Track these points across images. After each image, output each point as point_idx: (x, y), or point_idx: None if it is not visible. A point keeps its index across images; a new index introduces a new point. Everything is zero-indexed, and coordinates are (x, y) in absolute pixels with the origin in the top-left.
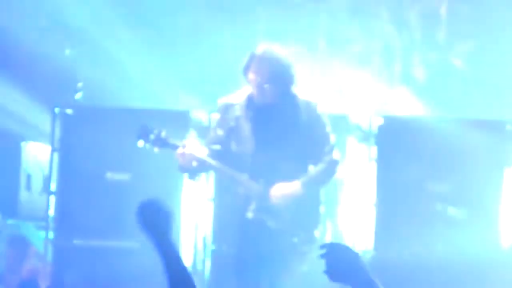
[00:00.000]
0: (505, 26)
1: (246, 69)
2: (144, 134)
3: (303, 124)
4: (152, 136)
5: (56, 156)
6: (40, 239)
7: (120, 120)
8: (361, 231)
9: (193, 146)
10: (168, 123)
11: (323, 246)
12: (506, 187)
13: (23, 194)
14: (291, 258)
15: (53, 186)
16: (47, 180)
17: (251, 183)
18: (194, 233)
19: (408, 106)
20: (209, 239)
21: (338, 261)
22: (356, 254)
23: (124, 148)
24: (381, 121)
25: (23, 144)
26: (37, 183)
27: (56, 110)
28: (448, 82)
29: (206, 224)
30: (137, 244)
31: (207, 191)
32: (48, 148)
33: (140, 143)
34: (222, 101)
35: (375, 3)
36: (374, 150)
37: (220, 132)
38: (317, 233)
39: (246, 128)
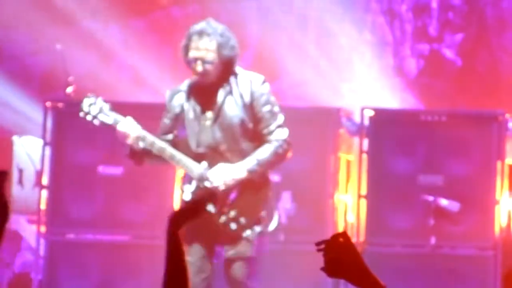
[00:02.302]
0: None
1: (186, 48)
2: (86, 105)
3: (247, 102)
4: (94, 108)
5: (48, 150)
6: (32, 233)
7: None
8: (352, 223)
9: (131, 123)
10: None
11: (320, 242)
12: (499, 180)
13: (15, 188)
14: (227, 244)
15: (45, 180)
16: (39, 174)
17: (193, 164)
18: None
19: (400, 98)
20: None
21: (336, 256)
22: (354, 248)
23: (116, 141)
24: (372, 114)
25: (14, 138)
26: (29, 177)
27: (48, 104)
28: (439, 74)
29: None
30: (129, 238)
31: None
32: (40, 142)
33: (81, 114)
34: (168, 92)
35: None
36: (365, 142)
37: (167, 121)
38: (262, 216)
39: (190, 111)
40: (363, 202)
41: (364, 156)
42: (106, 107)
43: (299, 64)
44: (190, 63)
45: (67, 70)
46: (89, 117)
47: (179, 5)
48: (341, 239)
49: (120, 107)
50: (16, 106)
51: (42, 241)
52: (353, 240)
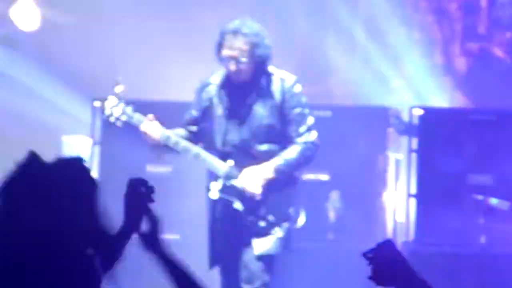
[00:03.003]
0: None
1: (220, 46)
2: (109, 107)
3: (278, 103)
4: (117, 110)
5: (97, 149)
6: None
7: (159, 113)
8: (402, 222)
9: (155, 123)
10: None
11: (368, 251)
12: None
13: None
14: (256, 241)
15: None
16: None
17: (219, 163)
18: None
19: (449, 97)
20: None
21: (385, 265)
22: (401, 255)
23: None
24: (421, 112)
25: (63, 137)
26: None
27: (96, 103)
28: (489, 72)
29: None
30: (178, 237)
31: None
32: (89, 141)
33: (105, 116)
34: (199, 82)
35: None
36: (414, 141)
37: (195, 112)
38: (290, 212)
39: (219, 107)
40: (412, 201)
41: (413, 155)
42: (129, 108)
43: (347, 63)
44: (223, 61)
45: (115, 70)
46: (112, 119)
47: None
48: (387, 247)
49: (167, 106)
50: (65, 106)
51: None
52: (402, 239)
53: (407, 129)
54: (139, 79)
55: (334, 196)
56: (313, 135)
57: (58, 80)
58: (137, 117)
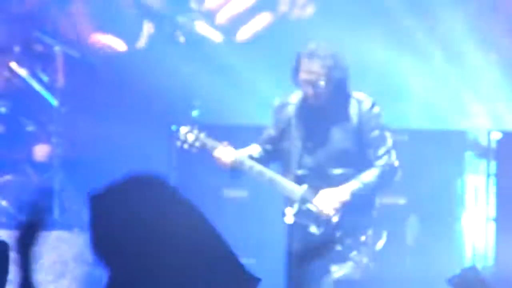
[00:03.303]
0: None
1: (296, 70)
2: (183, 134)
3: (355, 125)
4: (191, 136)
5: (173, 174)
6: None
7: (235, 137)
8: (481, 246)
9: (229, 148)
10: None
11: (453, 278)
12: None
13: None
14: (334, 266)
15: None
16: None
17: (294, 186)
18: None
19: None
20: None
21: None
22: (484, 282)
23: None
24: (500, 136)
25: None
26: None
27: (173, 127)
28: None
29: None
30: (254, 261)
31: None
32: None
33: (178, 143)
34: (278, 101)
35: (492, 16)
36: (493, 165)
37: (272, 132)
38: (363, 238)
39: (297, 129)
40: (492, 226)
41: (492, 179)
42: (203, 134)
43: (425, 85)
44: (300, 85)
45: (192, 94)
46: (185, 146)
47: None
48: (472, 273)
49: (244, 130)
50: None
51: None
52: (482, 264)
53: (486, 153)
54: (216, 103)
55: (412, 220)
56: (392, 158)
57: (134, 104)
58: (210, 143)
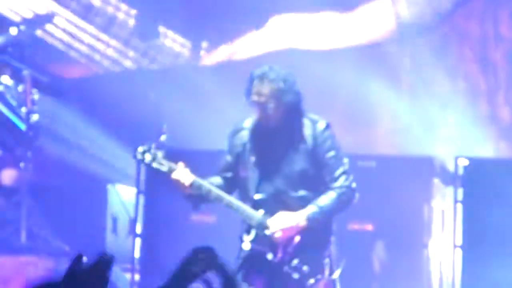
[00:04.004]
0: None
1: (248, 92)
2: (140, 153)
3: (311, 147)
4: (148, 156)
5: (141, 198)
6: (126, 281)
7: (204, 162)
8: (447, 274)
9: (186, 171)
10: None
11: None
12: None
13: (109, 237)
14: None
15: (139, 229)
16: (133, 222)
17: (251, 212)
18: None
19: (494, 147)
20: None
21: None
22: None
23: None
24: (467, 163)
25: (109, 186)
26: (123, 226)
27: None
28: None
29: None
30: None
31: None
32: (134, 190)
33: (136, 162)
34: (231, 127)
35: (459, 44)
36: (460, 191)
37: (229, 158)
38: (325, 263)
39: (252, 153)
40: (458, 252)
41: (459, 205)
42: (160, 154)
43: (392, 113)
44: (252, 106)
45: (161, 119)
46: (142, 165)
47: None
48: None
49: (208, 155)
50: (110, 155)
51: None
52: None
53: (453, 179)
54: (184, 128)
55: (379, 246)
56: (349, 179)
57: (103, 128)
58: (167, 164)
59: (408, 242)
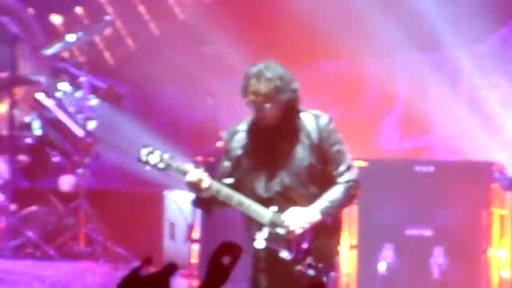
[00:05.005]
0: None
1: (244, 91)
2: (144, 154)
3: (315, 142)
4: (153, 158)
5: None
6: (184, 287)
7: None
8: (506, 279)
9: (196, 171)
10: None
11: None
12: None
13: (167, 242)
14: None
15: (196, 234)
16: (190, 228)
17: (263, 210)
18: None
19: None
20: (353, 287)
21: None
22: None
23: None
24: None
25: (166, 192)
26: (180, 231)
27: (199, 158)
28: None
29: (349, 272)
30: None
31: (351, 237)
32: (191, 196)
33: (141, 164)
34: (225, 132)
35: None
36: None
37: (227, 164)
38: (337, 261)
39: (253, 154)
40: None
41: None
42: (166, 156)
43: (449, 118)
44: (249, 105)
45: (217, 124)
46: (147, 168)
47: (329, 60)
48: None
49: None
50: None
51: None
52: None
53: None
54: None
55: (438, 252)
56: (354, 173)
57: (160, 133)
58: (177, 164)
59: (467, 247)
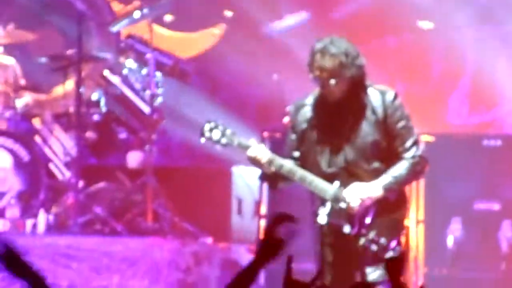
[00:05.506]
0: None
1: (310, 67)
2: (207, 130)
3: (381, 117)
4: (216, 133)
5: None
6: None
7: None
8: None
9: (258, 146)
10: None
11: None
12: None
13: (235, 218)
14: (369, 268)
15: (263, 210)
16: (257, 204)
17: (326, 185)
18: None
19: None
20: (421, 261)
21: None
22: None
23: None
24: None
25: (234, 168)
26: (248, 207)
27: (265, 134)
28: None
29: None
30: None
31: (418, 212)
32: (259, 172)
33: (203, 140)
34: (291, 106)
35: None
36: None
37: (293, 137)
38: (399, 238)
39: (319, 128)
40: None
41: None
42: (229, 131)
43: None
44: (315, 80)
45: (284, 100)
46: (210, 143)
47: (394, 34)
48: None
49: None
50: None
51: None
52: None
53: None
54: None
55: (506, 225)
56: (420, 148)
57: (226, 109)
58: (239, 140)
59: None
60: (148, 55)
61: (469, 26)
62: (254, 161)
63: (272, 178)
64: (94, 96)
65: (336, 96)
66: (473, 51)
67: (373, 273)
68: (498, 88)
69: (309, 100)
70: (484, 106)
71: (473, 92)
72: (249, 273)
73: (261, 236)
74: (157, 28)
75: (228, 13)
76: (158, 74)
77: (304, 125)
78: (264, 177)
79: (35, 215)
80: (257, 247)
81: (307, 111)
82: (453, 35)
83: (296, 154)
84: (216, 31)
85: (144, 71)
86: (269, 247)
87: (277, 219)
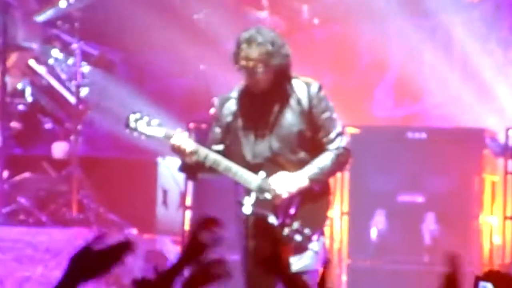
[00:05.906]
0: None
1: (236, 56)
2: (133, 121)
3: (306, 109)
4: (141, 124)
5: None
6: (177, 253)
7: None
8: (498, 245)
9: (183, 136)
10: None
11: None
12: None
13: (160, 209)
14: (293, 257)
15: (189, 201)
16: (183, 195)
17: (250, 175)
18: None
19: None
20: (344, 253)
21: None
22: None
23: None
24: None
25: (159, 159)
26: (173, 198)
27: (191, 125)
28: None
29: (340, 238)
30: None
31: (342, 204)
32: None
33: (128, 131)
34: (216, 99)
35: (511, 14)
36: (510, 163)
37: (218, 130)
38: (326, 226)
39: (244, 119)
40: (509, 224)
41: (510, 177)
42: (155, 121)
43: (442, 85)
44: (240, 71)
45: (210, 91)
46: (135, 134)
47: (321, 26)
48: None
49: None
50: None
51: None
52: (499, 262)
53: (504, 151)
54: None
55: (430, 218)
56: (344, 140)
57: (152, 100)
58: (163, 130)
59: (458, 213)
60: (74, 45)
61: (395, 18)
62: (178, 150)
63: (193, 169)
64: (20, 86)
65: (261, 86)
66: (399, 43)
67: (298, 263)
68: (423, 81)
69: (234, 94)
70: (409, 99)
71: (398, 84)
72: (170, 275)
73: (188, 228)
74: None
75: None
76: (84, 64)
77: (229, 118)
78: (184, 168)
79: None
80: (181, 251)
81: (232, 104)
82: (380, 27)
83: (219, 147)
84: None
85: (70, 61)
86: (192, 252)
87: (201, 224)
